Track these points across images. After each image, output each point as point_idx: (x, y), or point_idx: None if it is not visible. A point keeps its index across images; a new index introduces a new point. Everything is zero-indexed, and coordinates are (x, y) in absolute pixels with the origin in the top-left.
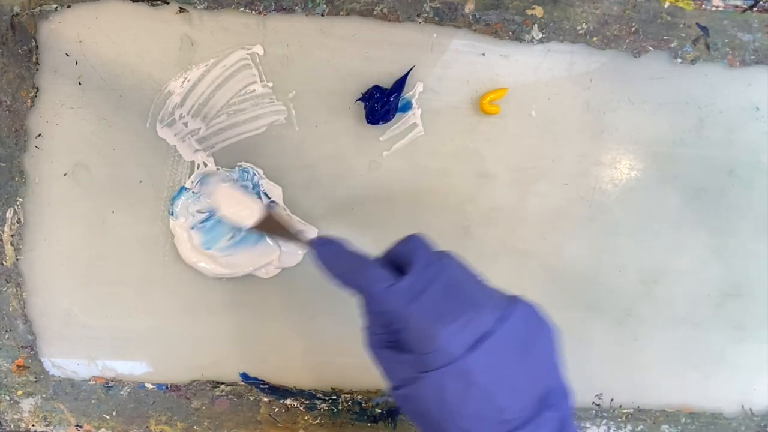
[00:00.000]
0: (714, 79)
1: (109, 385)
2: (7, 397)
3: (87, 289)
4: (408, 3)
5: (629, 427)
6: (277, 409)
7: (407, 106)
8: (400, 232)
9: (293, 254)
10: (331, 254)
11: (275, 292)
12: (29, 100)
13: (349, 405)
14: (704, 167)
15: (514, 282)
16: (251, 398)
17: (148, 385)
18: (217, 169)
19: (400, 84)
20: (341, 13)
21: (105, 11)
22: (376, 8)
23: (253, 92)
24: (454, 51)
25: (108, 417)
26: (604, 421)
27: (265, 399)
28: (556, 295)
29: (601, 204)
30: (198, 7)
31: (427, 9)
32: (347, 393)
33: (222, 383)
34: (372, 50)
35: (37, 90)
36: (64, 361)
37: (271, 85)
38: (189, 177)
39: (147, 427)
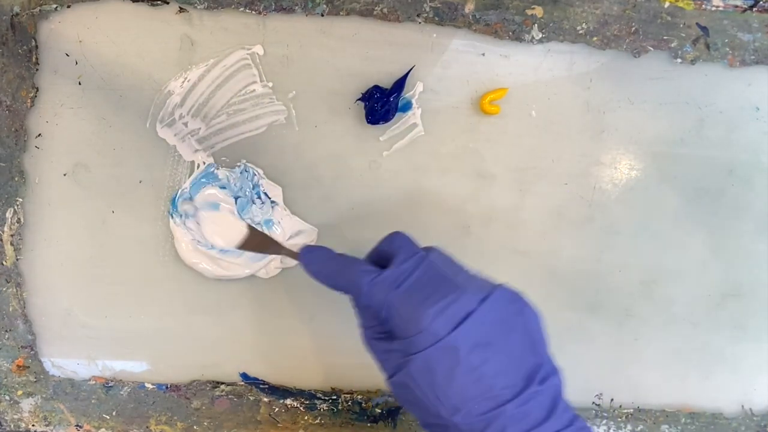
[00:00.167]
0: (714, 79)
1: (109, 385)
2: (7, 397)
3: (87, 289)
4: (408, 3)
5: (629, 427)
6: (277, 409)
7: (407, 106)
8: None
9: None
10: (316, 260)
11: (275, 292)
12: (29, 100)
13: (349, 405)
14: (704, 167)
15: (514, 282)
16: (251, 398)
17: (148, 385)
18: (214, 168)
19: (400, 84)
20: (341, 13)
21: (105, 11)
22: (376, 8)
23: (253, 92)
24: (454, 51)
25: (108, 417)
26: (604, 421)
27: (265, 399)
28: (556, 295)
29: (601, 204)
30: (198, 7)
31: (427, 9)
32: (347, 393)
33: (222, 383)
34: (372, 50)
35: (37, 90)
36: (64, 361)
37: (271, 85)
38: (188, 177)
39: (147, 427)
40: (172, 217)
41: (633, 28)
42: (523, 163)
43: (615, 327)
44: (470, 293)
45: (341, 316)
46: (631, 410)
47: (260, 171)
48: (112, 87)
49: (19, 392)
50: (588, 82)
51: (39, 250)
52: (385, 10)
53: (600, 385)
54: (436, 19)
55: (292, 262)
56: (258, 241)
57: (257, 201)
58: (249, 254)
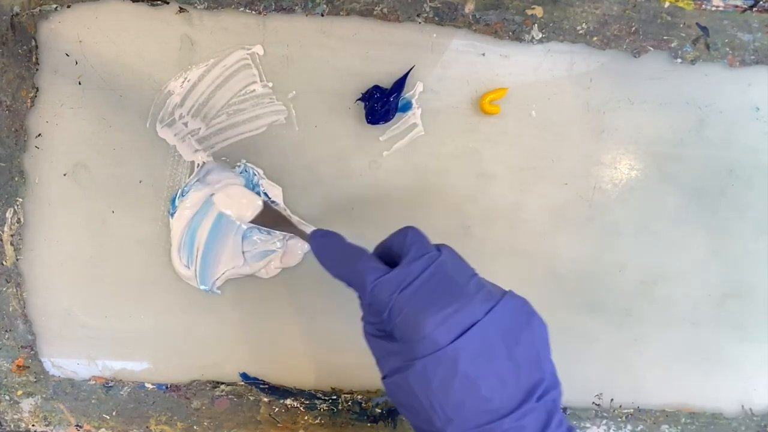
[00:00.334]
0: (714, 79)
1: (109, 385)
2: (7, 397)
3: (87, 289)
4: (408, 3)
5: (629, 427)
6: (277, 409)
7: (407, 106)
8: None
9: (293, 254)
10: (326, 246)
11: (275, 292)
12: (29, 100)
13: (349, 405)
14: (704, 167)
15: (514, 282)
16: (251, 398)
17: (148, 385)
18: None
19: (400, 84)
20: (341, 13)
21: (105, 11)
22: (376, 8)
23: (253, 92)
24: (454, 51)
25: (108, 417)
26: (604, 421)
27: (265, 399)
28: (556, 295)
29: (601, 204)
30: (198, 7)
31: (427, 9)
32: (347, 393)
33: (222, 383)
34: (372, 50)
35: (37, 90)
36: (64, 361)
37: (271, 85)
38: (189, 176)
39: (147, 427)
40: (173, 216)
41: (633, 28)
42: (523, 163)
43: (615, 327)
44: (476, 302)
45: (341, 316)
46: (631, 410)
47: (260, 171)
48: (112, 87)
49: (19, 392)
50: (588, 82)
51: (39, 250)
52: (385, 10)
53: (600, 385)
54: (436, 19)
55: (292, 262)
56: (271, 217)
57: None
58: (225, 276)
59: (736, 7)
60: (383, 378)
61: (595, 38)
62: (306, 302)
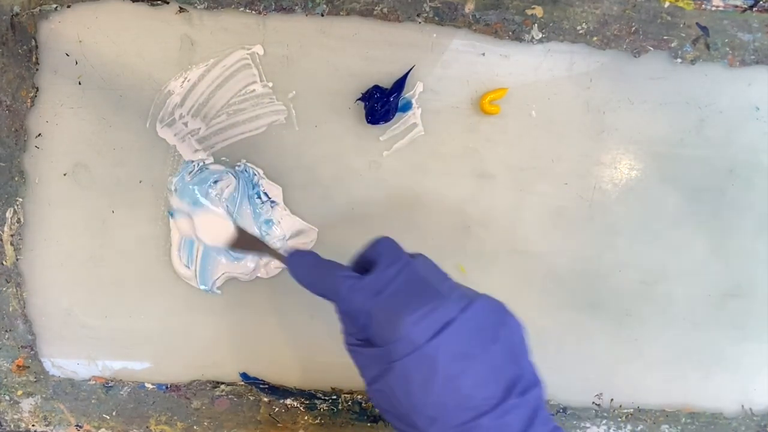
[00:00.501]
0: (714, 79)
1: (109, 385)
2: (7, 397)
3: (87, 289)
4: (408, 3)
5: (629, 427)
6: (277, 409)
7: (407, 106)
8: (400, 233)
9: None
10: (301, 265)
11: (275, 292)
12: (29, 100)
13: (349, 405)
14: (704, 167)
15: (514, 282)
16: (251, 398)
17: (148, 385)
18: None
19: (400, 84)
20: (341, 13)
21: (105, 11)
22: (376, 8)
23: (253, 92)
24: (454, 51)
25: (108, 417)
26: (604, 421)
27: (265, 399)
28: (556, 295)
29: (601, 204)
30: (198, 7)
31: (427, 9)
32: (347, 393)
33: (222, 383)
34: (372, 50)
35: (37, 90)
36: (64, 361)
37: (271, 85)
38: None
39: (147, 427)
40: (173, 216)
41: (633, 28)
42: (523, 163)
43: (615, 327)
44: (451, 302)
45: None
46: (631, 410)
47: (260, 171)
48: (112, 87)
49: (19, 392)
50: (588, 82)
51: (39, 250)
52: (385, 10)
53: (600, 385)
54: (436, 19)
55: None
56: (246, 241)
57: (257, 201)
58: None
59: (736, 7)
60: (367, 386)
61: (595, 38)
62: (306, 302)
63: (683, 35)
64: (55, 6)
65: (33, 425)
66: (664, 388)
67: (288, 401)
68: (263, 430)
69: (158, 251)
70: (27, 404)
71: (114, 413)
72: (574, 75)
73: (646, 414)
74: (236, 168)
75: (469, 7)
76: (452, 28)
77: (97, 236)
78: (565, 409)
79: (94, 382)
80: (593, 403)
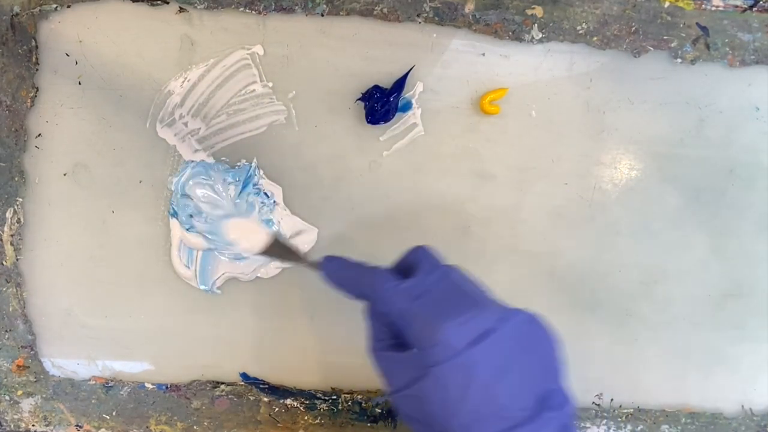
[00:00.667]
0: (714, 79)
1: (109, 385)
2: (7, 397)
3: (87, 289)
4: (408, 3)
5: (629, 427)
6: (277, 409)
7: (407, 106)
8: (400, 233)
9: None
10: (337, 269)
11: (275, 292)
12: (29, 100)
13: (349, 405)
14: (704, 167)
15: (514, 282)
16: (251, 398)
17: (148, 385)
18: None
19: (400, 84)
20: (341, 13)
21: (105, 11)
22: (376, 8)
23: (253, 92)
24: (454, 51)
25: (108, 417)
26: (604, 421)
27: (265, 399)
28: (556, 295)
29: (601, 204)
30: (198, 7)
31: (427, 9)
32: (347, 393)
33: (222, 383)
34: (372, 50)
35: (37, 90)
36: (64, 361)
37: (271, 85)
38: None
39: (147, 427)
40: (173, 216)
41: (633, 28)
42: (523, 163)
43: (615, 327)
44: (491, 312)
45: (341, 316)
46: (631, 410)
47: (260, 171)
48: (112, 87)
49: (19, 392)
50: (588, 82)
51: (39, 250)
52: (385, 10)
53: (600, 385)
54: (436, 19)
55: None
56: (279, 249)
57: (257, 199)
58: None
59: (736, 7)
60: (394, 392)
61: (595, 38)
62: (306, 302)
63: (683, 35)
64: (55, 6)
65: (33, 425)
66: (664, 388)
67: (288, 401)
68: (263, 430)
69: (158, 251)
70: (27, 404)
71: (114, 413)
72: (574, 75)
73: (646, 414)
74: (236, 167)
75: (469, 7)
76: (452, 28)
77: (97, 236)
78: None
79: (94, 382)
80: (593, 403)
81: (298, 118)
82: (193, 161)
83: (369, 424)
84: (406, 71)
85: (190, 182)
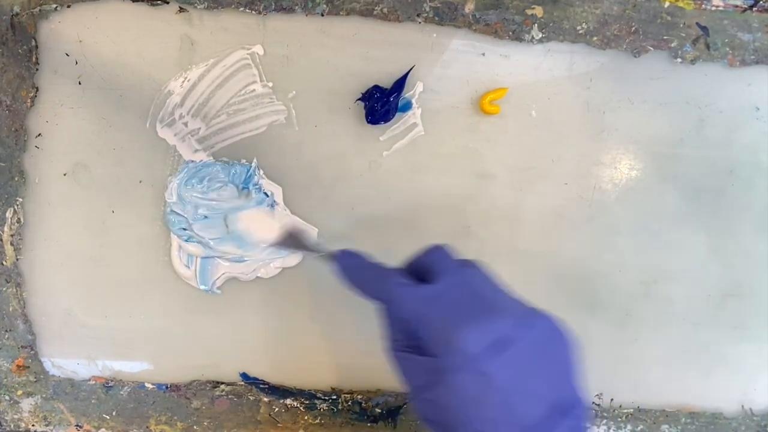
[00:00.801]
0: (714, 79)
1: (109, 385)
2: (7, 397)
3: (87, 289)
4: (408, 3)
5: (629, 427)
6: (277, 409)
7: (407, 106)
8: (401, 232)
9: (294, 254)
10: (353, 266)
11: (275, 292)
12: (29, 100)
13: (349, 405)
14: (704, 167)
15: (515, 282)
16: (251, 398)
17: (148, 385)
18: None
19: (400, 84)
20: (341, 13)
21: (105, 11)
22: (376, 8)
23: (253, 92)
24: (454, 51)
25: (108, 417)
26: (604, 421)
27: (265, 399)
28: (556, 295)
29: (601, 204)
30: (198, 7)
31: (427, 9)
32: (347, 393)
33: (222, 383)
34: (372, 50)
35: (37, 90)
36: (64, 361)
37: (271, 85)
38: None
39: (147, 427)
40: (173, 226)
41: (633, 28)
42: (523, 163)
43: (615, 327)
44: (508, 316)
45: (341, 316)
46: (631, 410)
47: (260, 171)
48: (112, 87)
49: (19, 392)
50: (588, 82)
51: (39, 250)
52: (385, 10)
53: (600, 385)
54: (436, 19)
55: (292, 262)
56: (294, 240)
57: (258, 198)
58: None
59: (736, 7)
60: (411, 395)
61: (595, 38)
62: (306, 302)
63: (683, 35)
64: (55, 6)
65: (33, 425)
66: (664, 388)
67: (288, 401)
68: (263, 430)
69: (158, 251)
70: (27, 404)
71: (114, 413)
72: (574, 75)
73: (646, 414)
74: (236, 167)
75: (469, 7)
76: (452, 28)
77: (97, 236)
78: None
79: (94, 382)
80: (593, 403)
81: (298, 118)
82: (192, 161)
83: (369, 424)
84: (406, 71)
85: (193, 181)
